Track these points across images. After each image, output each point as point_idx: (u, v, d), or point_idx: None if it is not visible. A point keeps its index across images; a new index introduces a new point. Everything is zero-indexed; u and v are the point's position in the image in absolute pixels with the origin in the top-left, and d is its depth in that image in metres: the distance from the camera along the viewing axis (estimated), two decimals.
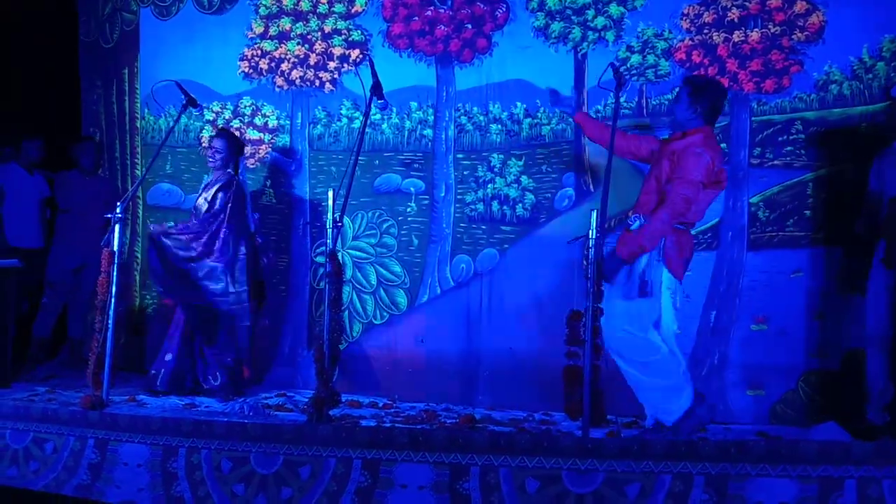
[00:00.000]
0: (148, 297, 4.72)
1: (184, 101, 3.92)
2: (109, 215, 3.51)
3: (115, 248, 3.49)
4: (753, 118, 3.78)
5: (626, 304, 3.01)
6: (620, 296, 3.03)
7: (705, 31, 3.86)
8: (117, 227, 3.49)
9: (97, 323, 3.47)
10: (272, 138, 4.51)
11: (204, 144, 4.60)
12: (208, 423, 2.84)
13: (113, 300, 3.46)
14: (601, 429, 3.18)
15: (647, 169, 3.32)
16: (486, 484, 2.48)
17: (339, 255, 4.19)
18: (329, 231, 3.20)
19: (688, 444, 2.27)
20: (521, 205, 4.11)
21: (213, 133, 4.23)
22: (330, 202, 3.18)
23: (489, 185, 4.16)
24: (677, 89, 3.25)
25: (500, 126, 4.16)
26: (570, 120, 3.98)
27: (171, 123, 4.17)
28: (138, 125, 4.81)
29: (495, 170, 4.16)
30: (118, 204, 3.56)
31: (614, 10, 3.97)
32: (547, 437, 2.46)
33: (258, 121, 4.53)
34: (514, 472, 2.43)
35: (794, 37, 3.75)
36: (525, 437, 2.47)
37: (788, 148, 3.74)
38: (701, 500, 2.18)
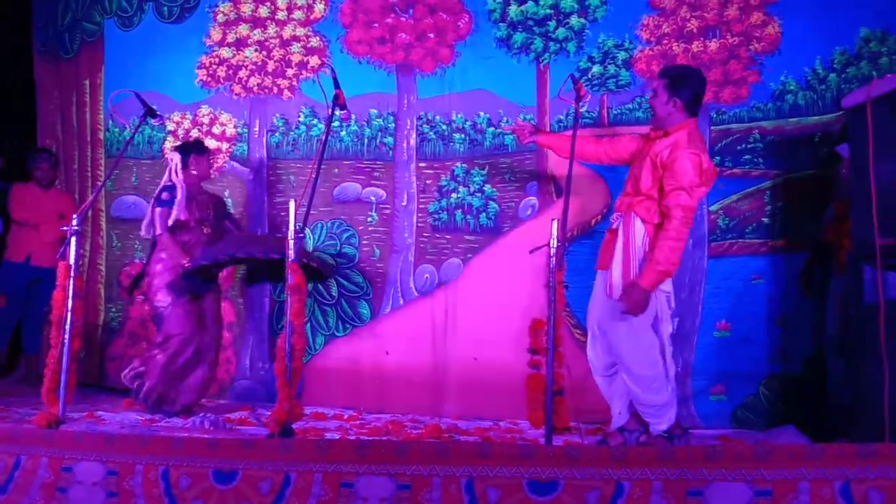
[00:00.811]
0: (113, 310, 4.63)
1: (144, 112, 3.86)
2: (65, 228, 3.43)
3: (72, 261, 3.41)
4: (712, 127, 3.85)
5: (638, 319, 2.96)
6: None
7: (665, 41, 3.93)
8: (73, 240, 3.41)
9: (52, 338, 3.39)
10: (230, 147, 4.45)
11: (167, 156, 4.54)
12: (165, 439, 2.78)
13: (69, 314, 3.38)
14: (564, 436, 3.20)
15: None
16: (447, 495, 2.45)
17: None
18: (290, 242, 3.16)
19: (646, 450, 2.28)
20: (484, 214, 4.12)
21: (203, 140, 4.13)
22: (291, 213, 3.14)
23: (452, 195, 4.17)
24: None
25: (462, 135, 4.17)
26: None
27: (130, 135, 4.11)
28: (102, 137, 4.73)
29: (458, 179, 4.17)
30: (74, 216, 3.49)
31: (575, 21, 4.02)
32: (507, 445, 2.45)
33: (216, 129, 4.47)
34: (476, 481, 2.41)
35: (751, 47, 3.83)
36: (486, 446, 2.46)
37: (747, 157, 3.82)
38: None
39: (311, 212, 4.12)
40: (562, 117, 4.02)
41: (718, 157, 3.77)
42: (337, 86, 3.48)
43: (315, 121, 4.36)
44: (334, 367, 4.20)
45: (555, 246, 2.94)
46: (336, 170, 4.30)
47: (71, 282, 3.39)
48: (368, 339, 4.19)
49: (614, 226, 3.06)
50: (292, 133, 4.41)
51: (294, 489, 2.57)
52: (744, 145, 3.81)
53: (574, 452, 2.32)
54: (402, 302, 4.18)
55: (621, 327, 2.98)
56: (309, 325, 4.21)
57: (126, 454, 2.77)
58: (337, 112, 3.54)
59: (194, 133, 4.48)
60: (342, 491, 2.53)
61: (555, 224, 2.94)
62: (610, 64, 3.97)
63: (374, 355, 4.15)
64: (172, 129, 4.54)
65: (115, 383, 4.52)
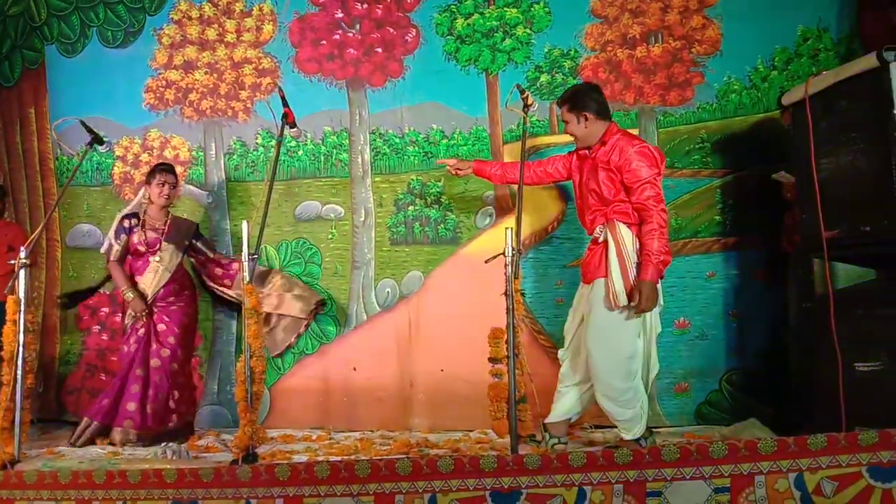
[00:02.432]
0: (69, 342, 4.52)
1: (90, 139, 3.80)
2: (12, 262, 3.35)
3: (22, 294, 3.33)
4: (660, 129, 3.91)
5: (626, 324, 3.01)
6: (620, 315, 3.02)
7: (609, 48, 3.99)
8: (23, 273, 3.33)
9: (4, 375, 3.30)
10: (184, 171, 4.37)
11: (117, 182, 4.47)
12: (121, 472, 2.71)
13: (21, 349, 3.29)
14: (530, 443, 3.20)
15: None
16: None
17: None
18: (245, 264, 3.12)
19: (606, 454, 2.29)
20: (442, 225, 4.13)
21: (161, 167, 3.99)
22: (245, 235, 3.10)
23: (409, 208, 4.17)
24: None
25: (416, 148, 4.18)
26: (487, 139, 4.05)
27: (78, 163, 4.03)
28: (52, 166, 4.63)
29: (415, 191, 4.17)
30: (23, 248, 3.41)
31: (521, 32, 4.06)
32: (468, 458, 2.44)
33: (168, 153, 4.39)
34: (439, 496, 2.40)
35: (693, 50, 3.91)
36: (446, 460, 2.45)
37: (696, 156, 3.89)
38: None
39: (275, 231, 4.13)
40: (513, 127, 4.05)
41: (668, 159, 3.83)
42: (285, 104, 3.46)
43: (273, 142, 4.33)
44: (303, 386, 4.15)
45: (509, 255, 2.95)
46: (296, 189, 4.27)
47: (21, 316, 3.31)
48: (336, 356, 4.15)
49: (600, 238, 3.09)
50: (251, 155, 4.36)
51: None
52: (692, 145, 3.88)
53: (534, 461, 2.32)
54: (366, 317, 4.16)
55: (606, 336, 3.02)
56: None
57: (81, 490, 2.70)
58: (287, 131, 3.52)
59: (144, 157, 4.42)
60: None
61: (509, 232, 2.95)
62: (557, 72, 4.02)
63: (342, 372, 4.12)
64: (121, 154, 4.47)
65: (74, 417, 4.42)
